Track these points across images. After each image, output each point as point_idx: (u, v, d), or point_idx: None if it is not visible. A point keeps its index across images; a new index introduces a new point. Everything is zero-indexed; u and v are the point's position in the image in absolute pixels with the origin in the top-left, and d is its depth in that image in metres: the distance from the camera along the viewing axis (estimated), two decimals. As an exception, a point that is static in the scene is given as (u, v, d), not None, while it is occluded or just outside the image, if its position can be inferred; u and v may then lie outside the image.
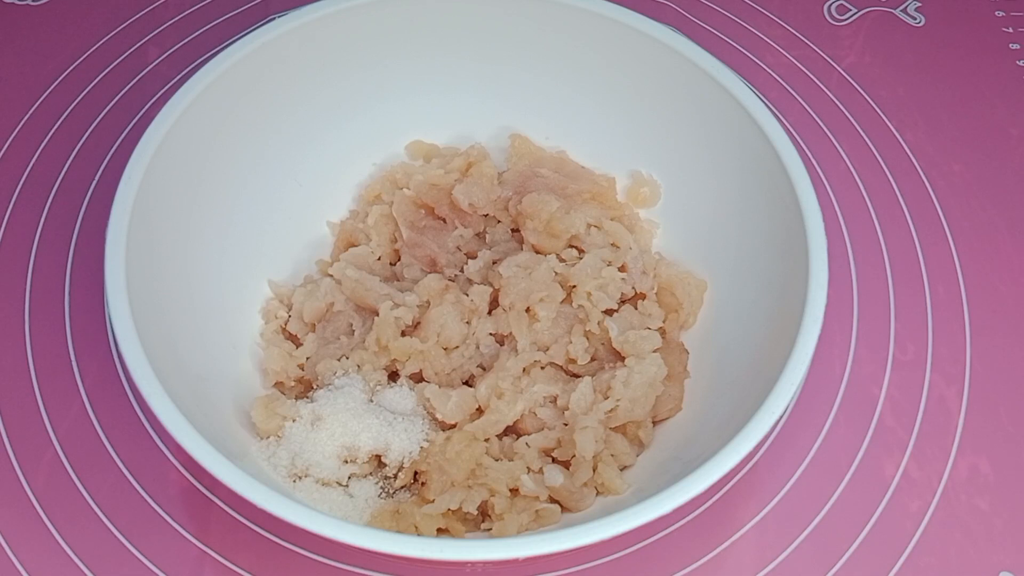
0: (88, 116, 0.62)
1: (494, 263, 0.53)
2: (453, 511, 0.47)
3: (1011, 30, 0.68)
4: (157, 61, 0.64)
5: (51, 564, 0.48)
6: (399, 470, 0.48)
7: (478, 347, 0.51)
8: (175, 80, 0.63)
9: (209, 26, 0.65)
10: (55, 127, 0.61)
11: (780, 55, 0.66)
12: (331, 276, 0.53)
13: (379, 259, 0.55)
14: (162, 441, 0.51)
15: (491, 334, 0.51)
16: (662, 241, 0.56)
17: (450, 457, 0.47)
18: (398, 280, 0.54)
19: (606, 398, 0.49)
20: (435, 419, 0.49)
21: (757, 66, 0.65)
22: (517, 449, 0.49)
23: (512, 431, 0.50)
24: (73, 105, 0.62)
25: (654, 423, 0.50)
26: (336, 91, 0.55)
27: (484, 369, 0.51)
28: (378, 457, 0.48)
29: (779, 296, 0.48)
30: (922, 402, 0.54)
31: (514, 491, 0.48)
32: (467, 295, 0.51)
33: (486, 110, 0.57)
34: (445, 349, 0.51)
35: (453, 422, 0.49)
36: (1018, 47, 0.67)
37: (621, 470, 0.49)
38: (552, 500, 0.48)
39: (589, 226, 0.54)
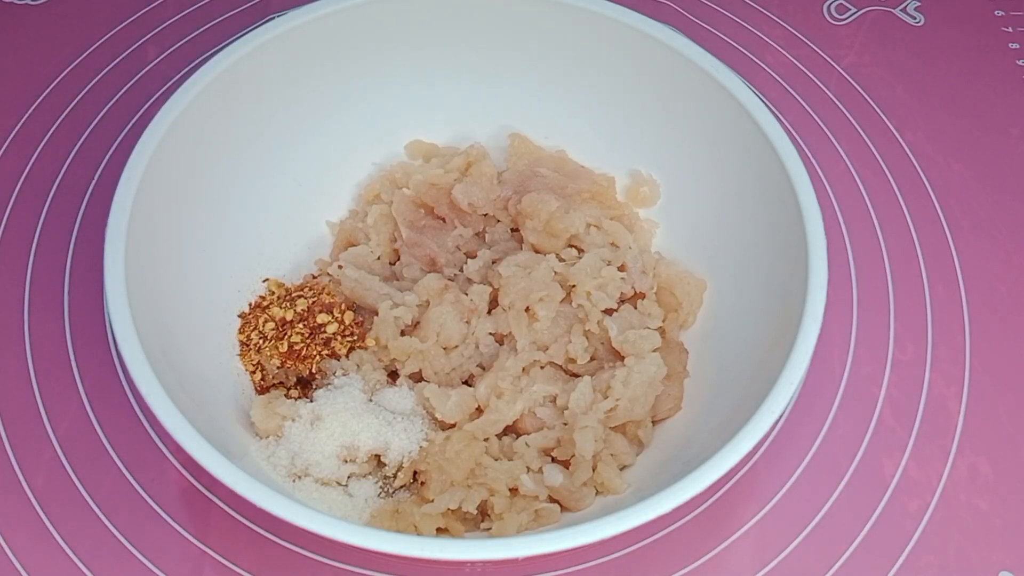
0: (87, 115, 0.62)
1: (494, 263, 0.53)
2: (452, 511, 0.47)
3: (1011, 30, 0.68)
4: (156, 60, 0.64)
5: (51, 564, 0.48)
6: (398, 470, 0.48)
7: (477, 347, 0.51)
8: (174, 79, 0.63)
9: (208, 25, 0.65)
10: (54, 126, 0.61)
11: (780, 55, 0.66)
12: (330, 274, 0.53)
13: (379, 259, 0.55)
14: (162, 441, 0.51)
15: (491, 334, 0.51)
16: (662, 241, 0.56)
17: (449, 457, 0.47)
18: (398, 280, 0.54)
19: (606, 398, 0.49)
20: (434, 419, 0.49)
21: (757, 66, 0.65)
22: (517, 449, 0.49)
23: (512, 431, 0.50)
24: (72, 104, 0.62)
25: (654, 423, 0.50)
26: (335, 91, 0.55)
27: (484, 369, 0.51)
28: (378, 457, 0.48)
29: (779, 296, 0.48)
30: (921, 402, 0.54)
31: (513, 491, 0.48)
32: (466, 295, 0.51)
33: (486, 109, 0.57)
34: (444, 349, 0.51)
35: (452, 422, 0.49)
36: (1018, 47, 0.67)
37: (621, 470, 0.49)
38: (552, 500, 0.48)
39: (588, 226, 0.54)
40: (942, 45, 0.67)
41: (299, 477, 0.47)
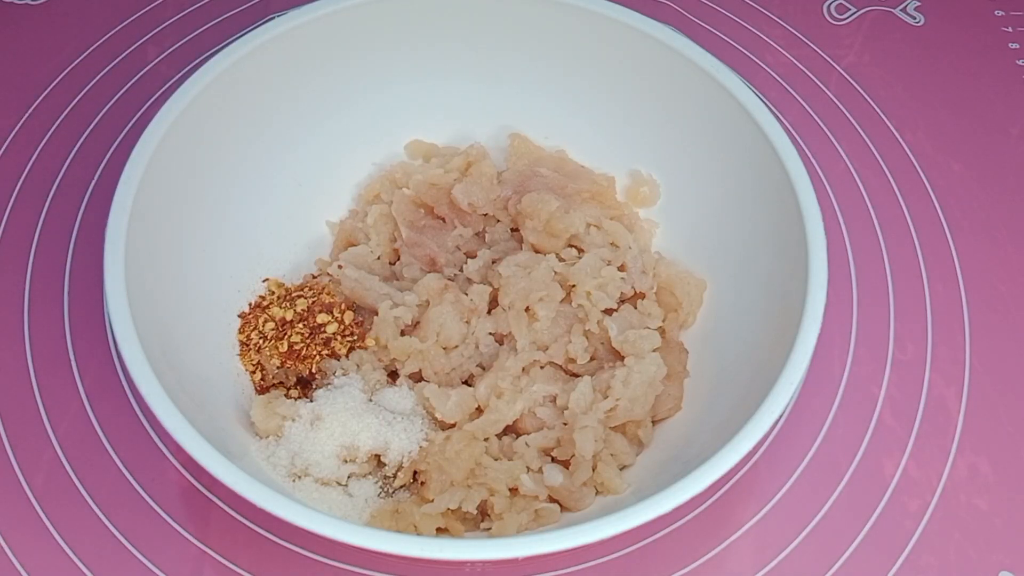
0: (87, 115, 0.62)
1: (493, 262, 0.53)
2: (452, 510, 0.47)
3: (1011, 30, 0.68)
4: (156, 60, 0.64)
5: (51, 564, 0.48)
6: (398, 469, 0.48)
7: (477, 347, 0.51)
8: (174, 79, 0.63)
9: (208, 25, 0.65)
10: (54, 126, 0.61)
11: (780, 55, 0.66)
12: (330, 274, 0.53)
13: (379, 259, 0.55)
14: (162, 441, 0.51)
15: (490, 333, 0.51)
16: (662, 241, 0.56)
17: (449, 456, 0.47)
18: (397, 280, 0.54)
19: (605, 397, 0.49)
20: (434, 419, 0.49)
21: (757, 66, 0.65)
22: (516, 448, 0.49)
23: (512, 430, 0.50)
24: (72, 104, 0.62)
25: (654, 423, 0.50)
26: (335, 91, 0.55)
27: (483, 368, 0.51)
28: (377, 456, 0.48)
29: (779, 296, 0.48)
30: (921, 402, 0.54)
31: (513, 490, 0.48)
32: (466, 294, 0.51)
33: (486, 109, 0.57)
34: (444, 348, 0.51)
35: (452, 422, 0.49)
36: (1018, 47, 0.67)
37: (621, 469, 0.49)
38: (551, 499, 0.48)
39: (588, 225, 0.54)
40: (942, 45, 0.67)
41: (299, 477, 0.47)
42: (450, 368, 0.51)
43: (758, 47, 0.66)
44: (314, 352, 0.50)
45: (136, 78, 0.63)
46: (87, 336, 0.54)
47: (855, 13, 0.68)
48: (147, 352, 0.43)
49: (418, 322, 0.51)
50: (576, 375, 0.51)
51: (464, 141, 0.57)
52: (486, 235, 0.55)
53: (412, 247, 0.54)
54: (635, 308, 0.52)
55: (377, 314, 0.51)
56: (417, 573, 0.49)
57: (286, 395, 0.51)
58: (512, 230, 0.55)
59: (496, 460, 0.48)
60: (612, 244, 0.54)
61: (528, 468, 0.48)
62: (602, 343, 0.51)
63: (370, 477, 0.48)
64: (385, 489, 0.48)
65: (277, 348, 0.50)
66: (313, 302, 0.51)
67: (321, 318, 0.50)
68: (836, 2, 0.69)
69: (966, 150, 0.63)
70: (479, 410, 0.50)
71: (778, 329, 0.46)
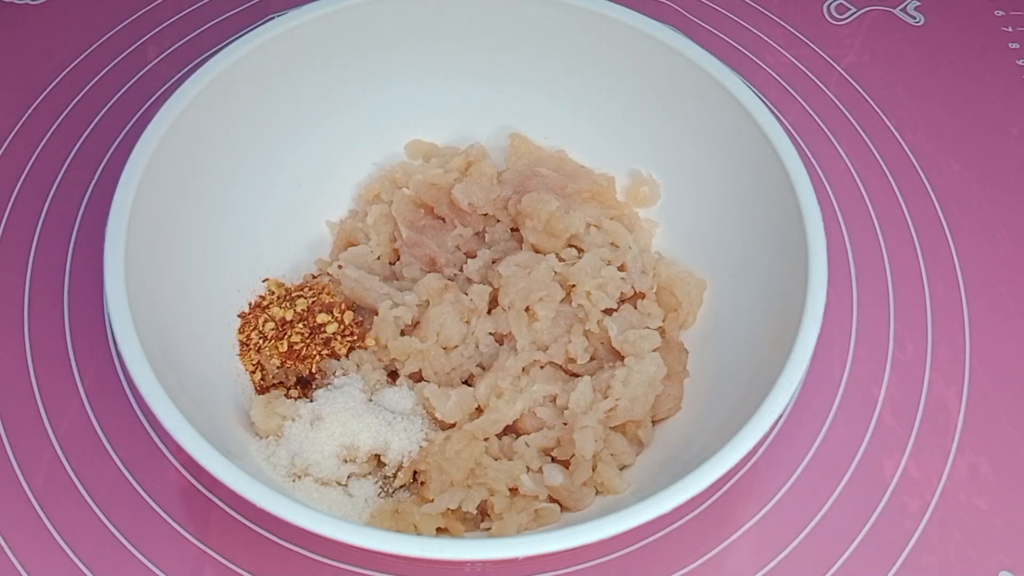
0: (87, 115, 0.62)
1: (493, 262, 0.53)
2: (452, 510, 0.47)
3: (1011, 30, 0.68)
4: (156, 60, 0.64)
5: (51, 564, 0.48)
6: (398, 469, 0.48)
7: (477, 346, 0.51)
8: (174, 79, 0.63)
9: (208, 25, 0.65)
10: (54, 126, 0.61)
11: (780, 55, 0.66)
12: (330, 274, 0.53)
13: (379, 259, 0.55)
14: (162, 441, 0.51)
15: (490, 333, 0.51)
16: (662, 241, 0.56)
17: (449, 456, 0.47)
18: (397, 279, 0.54)
19: (605, 397, 0.49)
20: (434, 418, 0.49)
21: (757, 66, 0.65)
22: (516, 448, 0.49)
23: (511, 430, 0.50)
24: (72, 104, 0.62)
25: (654, 423, 0.50)
26: (335, 91, 0.55)
27: (483, 368, 0.51)
28: (377, 456, 0.48)
29: (779, 296, 0.48)
30: (921, 402, 0.54)
31: (513, 490, 0.48)
32: (466, 294, 0.51)
33: (486, 109, 0.57)
34: (444, 348, 0.51)
35: (452, 421, 0.49)
36: (1018, 47, 0.67)
37: (620, 469, 0.49)
38: (551, 499, 0.48)
39: (588, 225, 0.54)
40: (942, 45, 0.67)
41: (299, 477, 0.47)
42: (450, 368, 0.51)
43: (758, 47, 0.66)
44: (314, 352, 0.50)
45: (136, 78, 0.63)
46: (87, 336, 0.54)
47: (855, 13, 0.68)
48: (147, 352, 0.43)
49: (418, 322, 0.51)
50: (576, 375, 0.51)
51: (464, 141, 0.57)
52: (486, 235, 0.55)
53: (412, 247, 0.54)
54: (635, 308, 0.52)
55: (377, 314, 0.51)
56: (417, 573, 0.49)
57: (286, 395, 0.51)
58: (512, 230, 0.55)
59: (496, 460, 0.48)
60: (612, 244, 0.54)
61: (528, 468, 0.48)
62: (602, 343, 0.51)
63: (370, 477, 0.48)
64: (385, 489, 0.48)
65: (277, 348, 0.50)
66: (313, 302, 0.51)
67: (321, 318, 0.50)
68: (836, 2, 0.69)
69: (966, 150, 0.63)
70: (479, 410, 0.50)
71: (778, 329, 0.46)
